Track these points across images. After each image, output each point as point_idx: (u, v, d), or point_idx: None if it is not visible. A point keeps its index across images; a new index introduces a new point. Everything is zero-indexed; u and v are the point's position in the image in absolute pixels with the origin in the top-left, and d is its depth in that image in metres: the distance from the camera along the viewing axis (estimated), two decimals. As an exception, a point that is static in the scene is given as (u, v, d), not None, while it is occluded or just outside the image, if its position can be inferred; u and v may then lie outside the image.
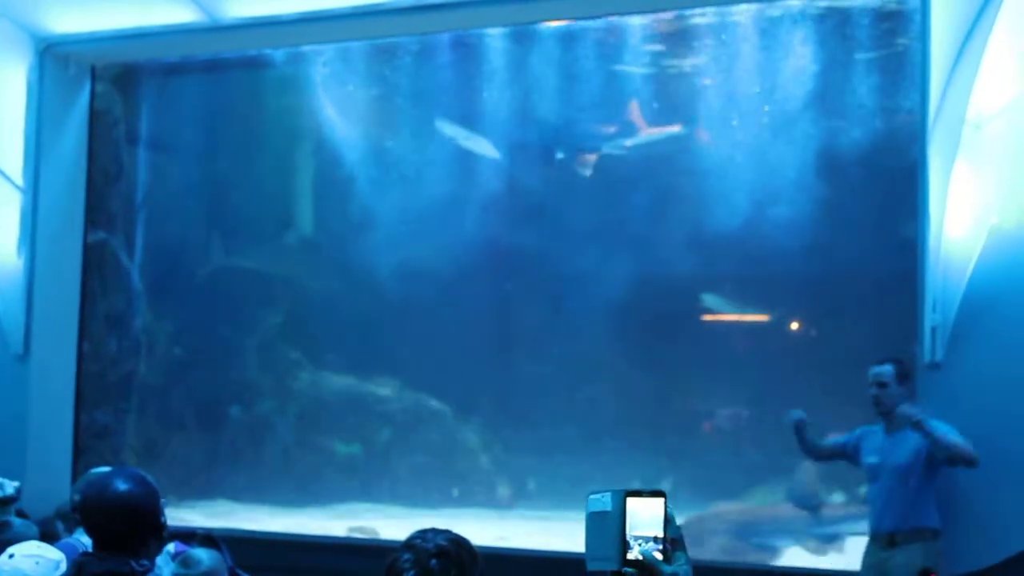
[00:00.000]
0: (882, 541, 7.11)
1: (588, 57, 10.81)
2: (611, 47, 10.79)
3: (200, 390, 11.90)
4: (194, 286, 12.01)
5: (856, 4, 9.81)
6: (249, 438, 11.82)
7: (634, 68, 10.80)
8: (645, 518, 2.74)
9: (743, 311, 10.82)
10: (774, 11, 10.10)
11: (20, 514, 6.12)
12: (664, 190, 10.84)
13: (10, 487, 5.93)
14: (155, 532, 3.73)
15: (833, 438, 7.72)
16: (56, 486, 9.39)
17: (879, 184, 9.72)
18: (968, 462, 6.86)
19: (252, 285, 11.85)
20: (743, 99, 10.51)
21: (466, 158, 11.29)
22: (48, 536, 5.77)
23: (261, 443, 11.78)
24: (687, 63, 10.78)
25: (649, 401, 10.83)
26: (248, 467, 11.80)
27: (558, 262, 10.98)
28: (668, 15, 10.48)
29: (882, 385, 7.21)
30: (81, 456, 10.69)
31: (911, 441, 7.00)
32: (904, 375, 7.25)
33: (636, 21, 10.60)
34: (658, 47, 10.77)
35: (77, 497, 4.87)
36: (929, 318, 7.48)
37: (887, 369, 7.22)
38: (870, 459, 7.32)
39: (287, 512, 11.19)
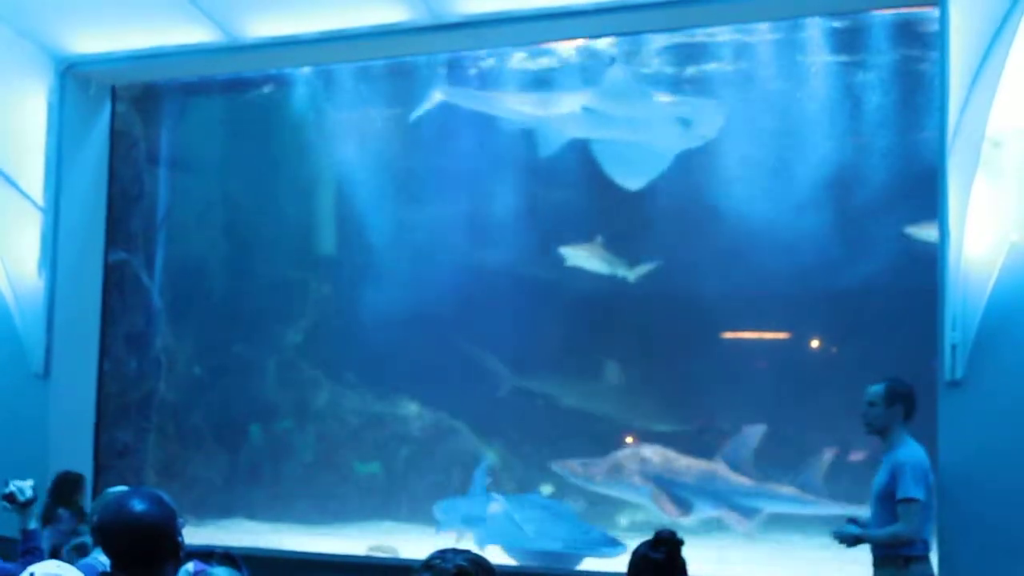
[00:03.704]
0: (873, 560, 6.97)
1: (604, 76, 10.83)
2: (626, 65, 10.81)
3: (220, 409, 11.91)
4: (213, 305, 12.04)
5: (875, 22, 9.80)
6: (268, 457, 11.83)
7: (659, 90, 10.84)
8: None
9: (763, 328, 10.79)
10: (791, 29, 10.10)
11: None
12: (682, 207, 10.82)
13: (29, 490, 5.82)
14: (172, 552, 3.73)
15: None
16: (76, 505, 9.40)
17: (899, 201, 9.70)
18: (905, 544, 6.71)
19: (271, 304, 11.87)
20: (763, 115, 10.51)
21: (486, 179, 11.29)
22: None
23: (280, 462, 11.79)
24: (706, 77, 10.78)
25: (667, 418, 10.80)
26: (268, 486, 11.80)
27: (576, 282, 10.96)
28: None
29: (870, 404, 6.99)
30: (101, 475, 10.70)
31: (883, 471, 6.87)
32: (895, 397, 6.95)
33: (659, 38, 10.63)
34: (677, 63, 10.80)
35: (95, 518, 4.88)
36: (949, 336, 7.43)
37: (877, 389, 6.99)
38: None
39: (307, 531, 11.18)
